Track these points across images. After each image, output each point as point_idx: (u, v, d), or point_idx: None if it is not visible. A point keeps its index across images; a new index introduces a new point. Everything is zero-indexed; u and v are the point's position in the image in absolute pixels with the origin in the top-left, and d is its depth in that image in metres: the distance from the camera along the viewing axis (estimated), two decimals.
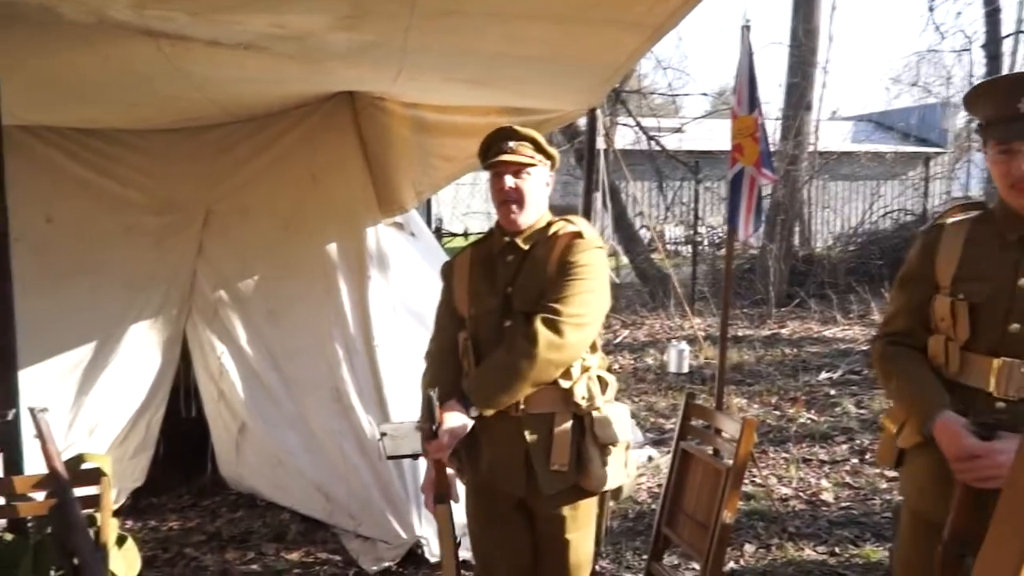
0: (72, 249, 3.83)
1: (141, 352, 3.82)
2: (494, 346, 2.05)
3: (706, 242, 11.69)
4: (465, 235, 10.33)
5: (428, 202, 7.54)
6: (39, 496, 2.32)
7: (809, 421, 5.32)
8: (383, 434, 3.04)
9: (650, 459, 4.59)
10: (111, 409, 3.72)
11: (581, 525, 2.17)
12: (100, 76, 2.85)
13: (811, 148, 10.69)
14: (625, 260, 10.76)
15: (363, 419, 3.52)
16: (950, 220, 1.85)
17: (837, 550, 3.44)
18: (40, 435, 2.24)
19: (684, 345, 6.86)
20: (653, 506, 3.61)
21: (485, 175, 2.22)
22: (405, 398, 3.37)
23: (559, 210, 2.30)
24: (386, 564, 3.27)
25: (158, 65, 2.67)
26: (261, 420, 3.74)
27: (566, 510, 2.13)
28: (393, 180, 3.79)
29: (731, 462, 2.55)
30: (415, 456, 2.60)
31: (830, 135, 12.65)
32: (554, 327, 1.96)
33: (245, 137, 3.91)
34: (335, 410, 3.60)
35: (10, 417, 2.35)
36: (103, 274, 3.85)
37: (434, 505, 2.10)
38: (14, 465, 2.40)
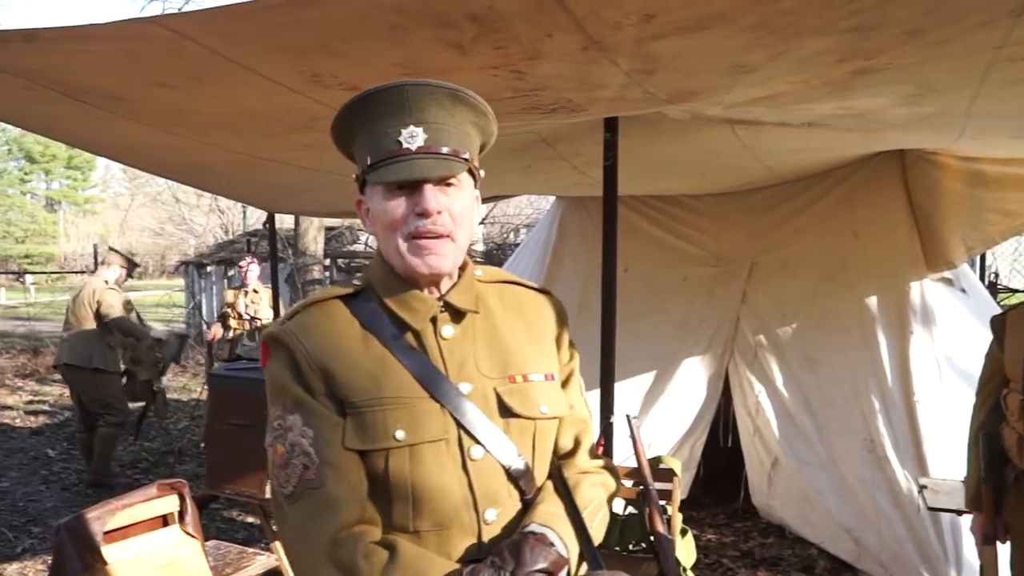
0: (642, 294, 4.67)
1: (690, 384, 4.47)
2: None
3: None
4: None
5: (982, 255, 6.91)
6: (628, 483, 2.99)
7: None
8: (923, 487, 3.08)
9: None
10: (664, 429, 4.43)
11: None
12: (683, 156, 3.54)
13: None
14: None
15: (898, 472, 3.53)
16: None
17: None
18: (632, 436, 2.90)
19: None
20: None
21: None
22: (947, 456, 3.29)
23: None
24: None
25: (730, 143, 3.22)
26: (793, 458, 4.02)
27: None
28: (941, 235, 3.74)
29: None
30: (959, 512, 2.62)
31: None
32: None
33: (789, 197, 4.31)
34: (868, 460, 3.69)
35: (611, 420, 3.09)
36: (663, 315, 4.62)
37: (982, 546, 2.18)
38: (608, 456, 3.14)
